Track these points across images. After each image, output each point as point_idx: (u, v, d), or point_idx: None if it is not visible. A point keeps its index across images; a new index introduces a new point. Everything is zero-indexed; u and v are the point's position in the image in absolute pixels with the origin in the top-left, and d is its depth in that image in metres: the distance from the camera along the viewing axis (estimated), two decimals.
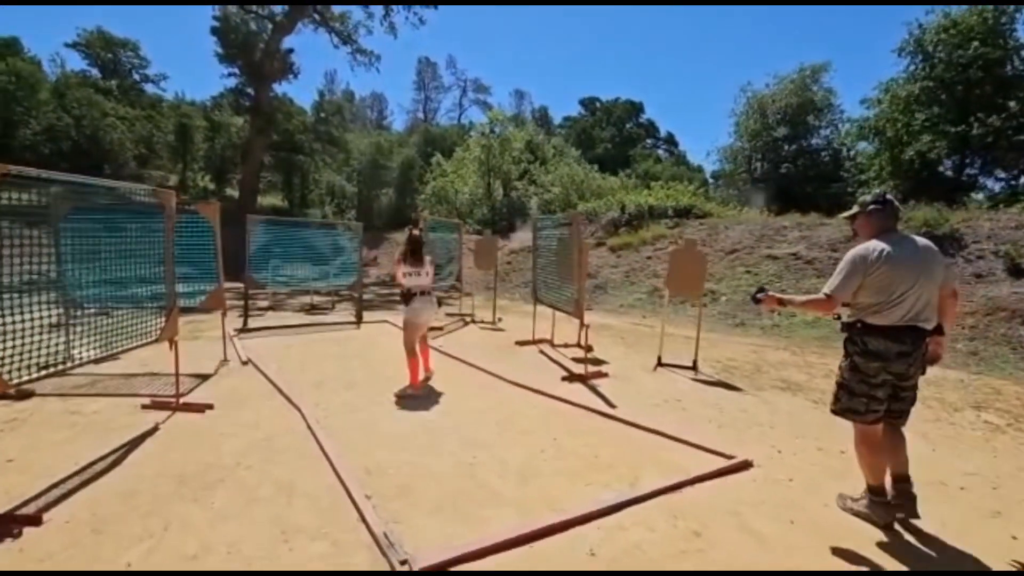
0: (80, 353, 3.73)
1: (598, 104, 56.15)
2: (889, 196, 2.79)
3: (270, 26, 24.99)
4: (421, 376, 5.09)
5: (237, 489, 2.97)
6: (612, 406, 4.69)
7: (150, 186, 3.94)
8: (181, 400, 4.33)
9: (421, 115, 60.67)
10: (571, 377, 5.62)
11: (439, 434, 3.92)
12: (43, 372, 3.31)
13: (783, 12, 70.75)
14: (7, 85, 22.09)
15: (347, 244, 9.85)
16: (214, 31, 25.29)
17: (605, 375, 5.80)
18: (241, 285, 8.96)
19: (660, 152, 53.45)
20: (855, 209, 2.89)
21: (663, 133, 57.56)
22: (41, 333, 3.25)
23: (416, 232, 5.06)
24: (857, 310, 2.73)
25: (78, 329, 4.17)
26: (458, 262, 9.99)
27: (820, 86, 19.95)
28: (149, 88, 34.52)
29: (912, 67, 16.21)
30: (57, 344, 3.52)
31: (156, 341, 4.07)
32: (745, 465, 3.44)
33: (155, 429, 3.87)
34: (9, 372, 2.96)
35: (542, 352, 6.96)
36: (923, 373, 2.78)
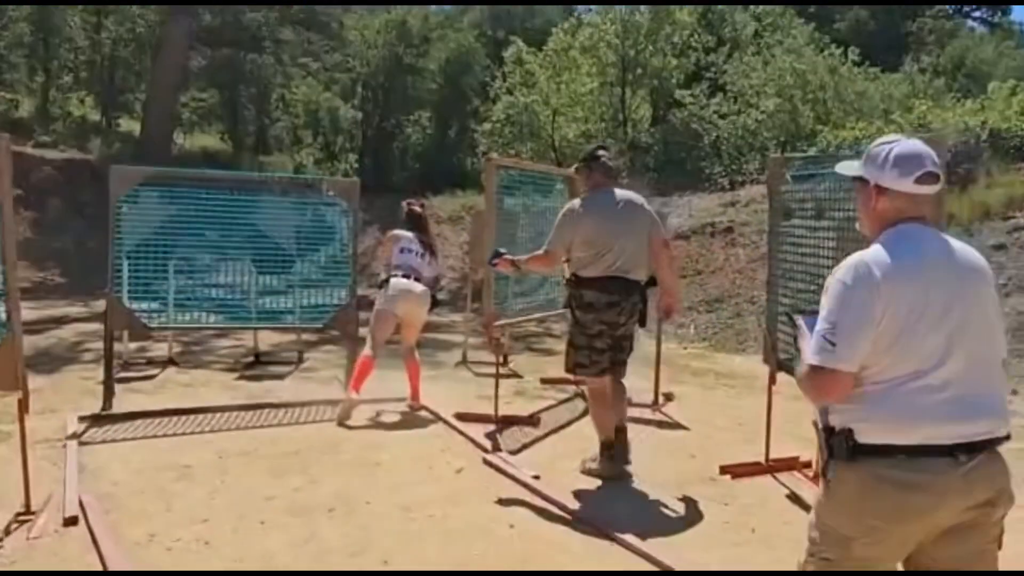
0: None
1: None
2: (600, 153, 3.00)
3: None
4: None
5: None
6: None
7: None
8: None
9: None
10: None
11: None
12: None
13: None
14: None
15: (335, 222, 4.73)
16: None
17: None
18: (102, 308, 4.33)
19: (970, 23, 25.91)
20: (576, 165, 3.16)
21: None
22: None
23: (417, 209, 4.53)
24: (573, 266, 2.93)
25: None
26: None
27: None
28: None
29: None
30: None
31: None
32: None
33: None
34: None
35: (795, 499, 2.91)
36: (642, 325, 3.02)
